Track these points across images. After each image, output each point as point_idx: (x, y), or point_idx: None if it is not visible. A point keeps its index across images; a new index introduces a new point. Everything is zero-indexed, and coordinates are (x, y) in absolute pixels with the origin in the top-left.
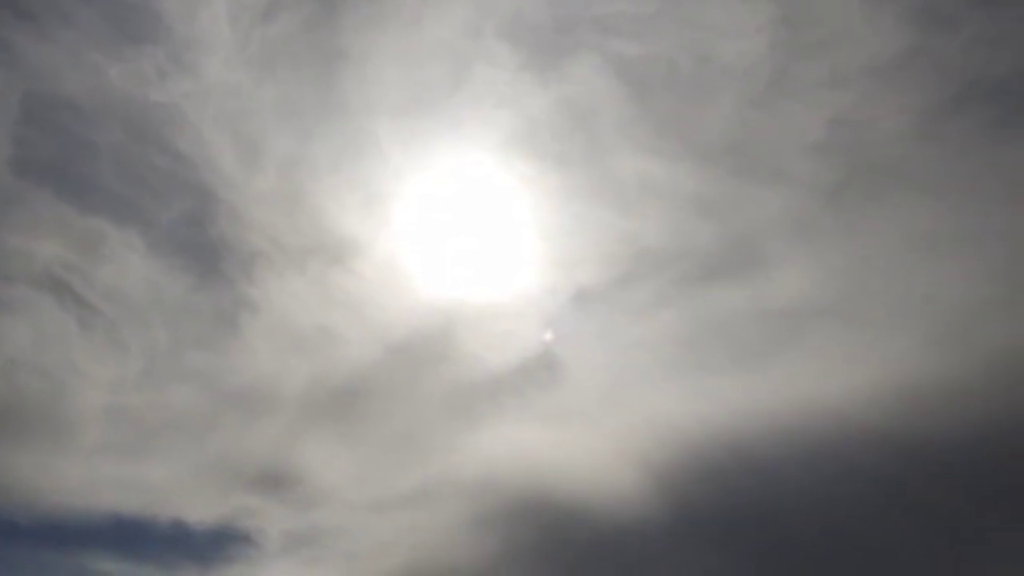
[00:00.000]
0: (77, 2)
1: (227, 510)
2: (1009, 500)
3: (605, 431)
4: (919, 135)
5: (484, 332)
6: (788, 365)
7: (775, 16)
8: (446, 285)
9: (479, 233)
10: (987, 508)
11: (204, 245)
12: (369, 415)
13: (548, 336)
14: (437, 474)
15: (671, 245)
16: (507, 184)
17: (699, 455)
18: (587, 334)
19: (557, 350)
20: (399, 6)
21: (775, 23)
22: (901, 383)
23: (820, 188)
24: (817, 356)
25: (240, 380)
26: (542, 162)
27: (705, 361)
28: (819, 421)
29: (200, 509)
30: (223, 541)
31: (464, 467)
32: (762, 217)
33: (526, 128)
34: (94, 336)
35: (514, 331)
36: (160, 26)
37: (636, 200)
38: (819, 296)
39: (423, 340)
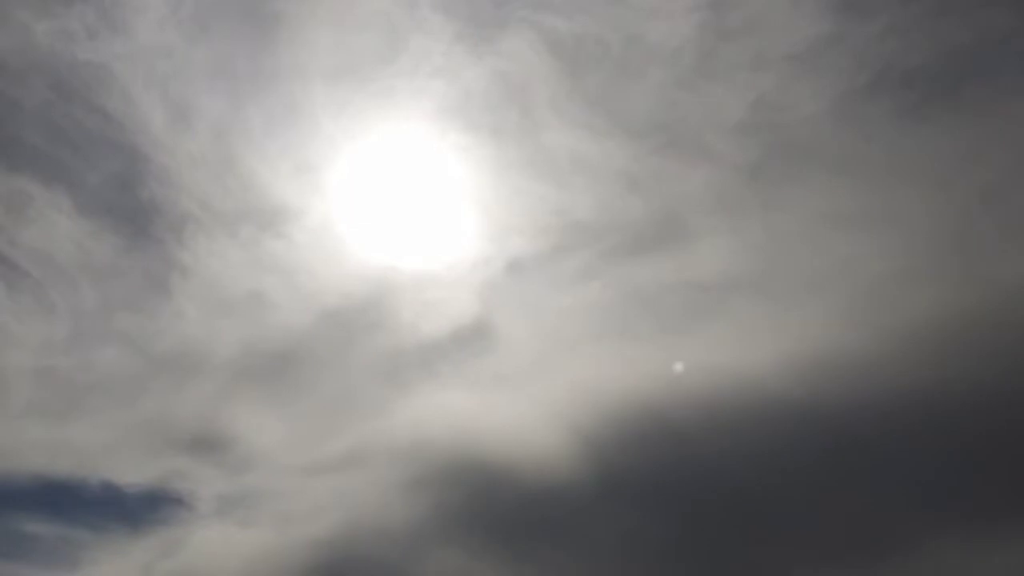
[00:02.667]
0: None
1: (158, 472)
2: (918, 467)
3: (534, 397)
4: (836, 118)
5: (418, 300)
6: (709, 335)
7: (702, 0)
8: (379, 253)
9: (413, 202)
10: (896, 475)
11: (133, 207)
12: (301, 380)
13: (481, 304)
14: (369, 438)
15: (600, 218)
16: (441, 154)
17: (624, 420)
18: (519, 303)
19: (489, 318)
20: None
21: (702, 7)
22: (816, 353)
23: (742, 166)
24: (737, 327)
25: (170, 343)
26: (476, 133)
27: (631, 330)
28: (737, 389)
29: (131, 471)
30: (154, 503)
31: (396, 431)
32: (686, 193)
33: (460, 99)
34: (21, 297)
35: (447, 299)
36: None
37: (567, 173)
38: (739, 269)
39: (356, 307)
